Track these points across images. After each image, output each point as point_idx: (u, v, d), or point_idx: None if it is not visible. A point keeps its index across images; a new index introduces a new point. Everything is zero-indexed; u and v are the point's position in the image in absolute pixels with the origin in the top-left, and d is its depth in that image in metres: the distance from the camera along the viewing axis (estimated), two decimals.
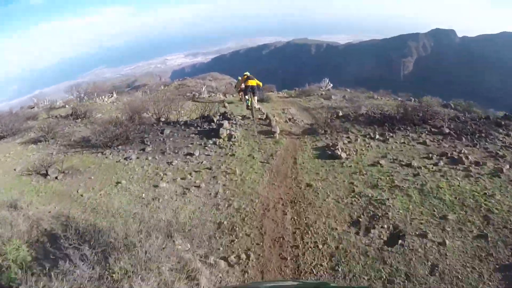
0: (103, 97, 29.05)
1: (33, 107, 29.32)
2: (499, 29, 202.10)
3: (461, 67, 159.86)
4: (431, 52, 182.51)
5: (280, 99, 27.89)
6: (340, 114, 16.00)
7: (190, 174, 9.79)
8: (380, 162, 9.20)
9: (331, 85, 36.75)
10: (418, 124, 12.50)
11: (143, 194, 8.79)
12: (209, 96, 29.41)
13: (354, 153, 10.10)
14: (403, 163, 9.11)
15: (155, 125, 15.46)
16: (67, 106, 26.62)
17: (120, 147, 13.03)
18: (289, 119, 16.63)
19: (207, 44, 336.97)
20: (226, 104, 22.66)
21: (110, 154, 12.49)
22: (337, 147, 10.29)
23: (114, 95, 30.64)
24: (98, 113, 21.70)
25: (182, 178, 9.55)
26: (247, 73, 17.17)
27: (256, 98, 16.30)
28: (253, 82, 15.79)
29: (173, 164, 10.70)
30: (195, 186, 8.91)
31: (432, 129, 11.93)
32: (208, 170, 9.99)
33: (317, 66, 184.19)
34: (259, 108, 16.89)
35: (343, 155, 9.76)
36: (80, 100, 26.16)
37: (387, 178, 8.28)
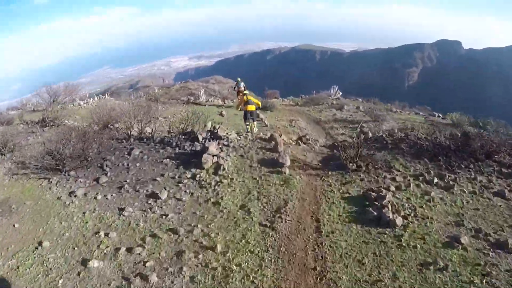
0: (80, 101, 25.52)
1: (19, 109, 25.97)
2: (506, 43, 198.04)
3: (466, 79, 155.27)
4: (436, 63, 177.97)
5: (286, 107, 24.36)
6: (370, 135, 12.04)
7: (143, 240, 6.12)
8: (459, 239, 5.42)
9: (340, 93, 33.17)
10: (480, 159, 8.69)
11: (60, 282, 5.12)
12: (206, 101, 26.03)
13: (412, 213, 6.29)
14: (492, 240, 5.47)
15: (124, 141, 11.67)
16: (40, 110, 23.16)
17: (72, 172, 9.39)
18: (301, 139, 12.65)
19: (211, 47, 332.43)
20: (224, 112, 19.16)
21: (57, 183, 9.01)
22: (383, 200, 6.49)
23: (95, 99, 26.95)
24: (71, 120, 17.99)
25: (128, 250, 5.84)
26: (246, 92, 16.64)
27: (255, 123, 15.43)
28: (252, 108, 14.67)
29: (126, 213, 7.05)
30: (140, 278, 5.15)
31: (502, 169, 8.20)
32: (173, 234, 6.28)
33: (321, 72, 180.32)
34: (259, 133, 14.70)
35: (398, 220, 5.89)
36: (50, 104, 22.43)
37: (482, 280, 4.55)
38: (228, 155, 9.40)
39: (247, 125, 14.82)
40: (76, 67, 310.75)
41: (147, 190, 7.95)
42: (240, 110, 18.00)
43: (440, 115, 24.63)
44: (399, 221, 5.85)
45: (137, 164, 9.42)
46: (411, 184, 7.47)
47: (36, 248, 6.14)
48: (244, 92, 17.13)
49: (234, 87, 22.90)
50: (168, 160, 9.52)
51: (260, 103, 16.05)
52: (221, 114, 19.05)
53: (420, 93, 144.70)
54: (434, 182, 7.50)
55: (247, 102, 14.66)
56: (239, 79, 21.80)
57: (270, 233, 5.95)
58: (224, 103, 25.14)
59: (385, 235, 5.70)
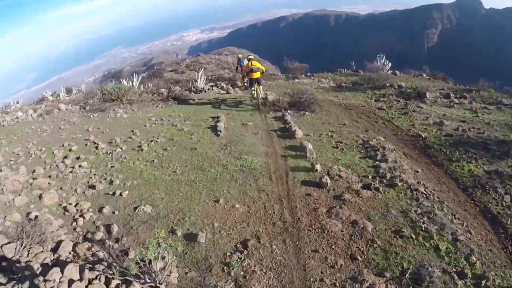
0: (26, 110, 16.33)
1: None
2: None
3: (488, 40, 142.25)
4: (456, 24, 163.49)
5: (331, 97, 14.97)
6: None
7: None
8: None
9: (390, 64, 23.67)
10: None
11: None
12: (202, 90, 17.53)
13: None
14: None
15: None
16: None
17: None
18: None
19: (223, 18, 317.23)
20: (222, 124, 11.27)
21: None
22: None
23: (43, 107, 16.77)
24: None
25: None
26: (251, 57, 14.47)
27: (261, 87, 13.81)
28: (257, 74, 13.43)
29: None
30: None
31: None
32: None
33: (337, 38, 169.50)
34: (265, 96, 14.56)
35: None
36: None
37: None
38: None
39: (252, 90, 14.00)
40: (90, 50, 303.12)
41: None
42: (245, 84, 16.19)
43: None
44: None
45: None
46: None
47: None
48: (249, 57, 14.59)
49: (236, 68, 17.64)
50: None
51: (264, 68, 13.98)
52: (215, 130, 10.80)
53: (440, 56, 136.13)
54: None
55: (251, 70, 13.41)
56: (240, 55, 17.39)
57: None
58: (229, 92, 16.58)
59: None
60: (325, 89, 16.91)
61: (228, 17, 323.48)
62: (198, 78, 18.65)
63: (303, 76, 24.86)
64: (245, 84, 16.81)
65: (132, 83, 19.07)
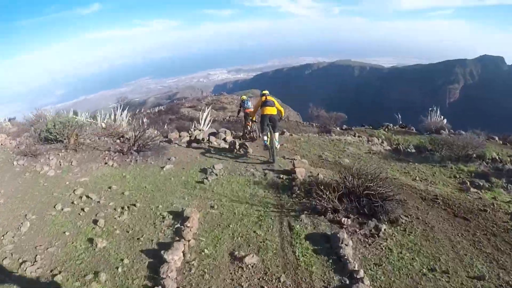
0: None
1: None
2: None
3: (510, 96, 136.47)
4: (478, 80, 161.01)
5: (399, 170, 10.16)
6: None
7: None
8: None
9: (445, 120, 19.28)
10: None
11: None
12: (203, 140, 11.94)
13: None
14: None
15: None
16: None
17: None
18: None
19: (250, 61, 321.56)
20: (192, 211, 6.02)
21: None
22: None
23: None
24: None
25: None
26: (266, 92, 9.73)
27: (277, 134, 9.13)
28: (272, 110, 8.92)
29: None
30: None
31: None
32: None
33: (360, 88, 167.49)
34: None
35: None
36: None
37: None
38: None
39: (264, 135, 9.13)
40: (119, 76, 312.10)
41: None
42: (249, 120, 12.83)
43: None
44: None
45: None
46: None
47: None
48: (264, 92, 9.71)
49: (239, 111, 14.43)
50: None
51: (282, 109, 9.48)
52: (158, 265, 4.96)
53: (463, 110, 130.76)
54: None
55: (265, 103, 8.99)
56: (244, 97, 14.00)
57: None
58: (233, 148, 10.16)
59: None
60: (381, 156, 12.19)
61: (255, 60, 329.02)
62: (201, 119, 14.45)
63: (338, 129, 20.52)
64: (251, 132, 13.29)
65: (113, 118, 14.57)
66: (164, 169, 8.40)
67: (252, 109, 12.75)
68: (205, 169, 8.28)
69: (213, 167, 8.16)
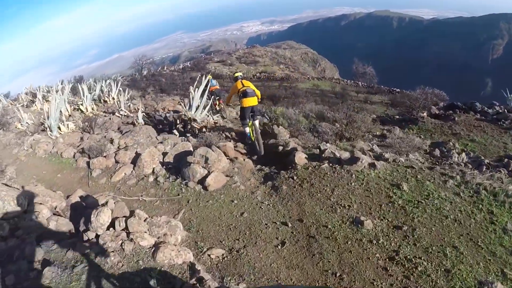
0: None
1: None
2: None
3: None
4: None
5: None
6: None
7: None
8: None
9: None
10: None
11: None
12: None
13: None
14: None
15: None
16: None
17: None
18: None
19: (284, 12, 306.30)
20: None
21: None
22: None
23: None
24: None
25: None
26: (239, 74, 8.11)
27: (257, 122, 7.38)
28: (253, 101, 7.23)
29: None
30: None
31: None
32: None
33: (399, 41, 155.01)
34: None
35: None
36: None
37: None
38: None
39: (245, 126, 7.52)
40: (151, 33, 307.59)
41: None
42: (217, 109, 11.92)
43: None
44: None
45: None
46: None
47: None
48: (236, 74, 8.04)
49: (204, 91, 9.85)
50: None
51: (259, 93, 7.55)
52: None
53: (504, 68, 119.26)
54: None
55: (244, 93, 7.12)
56: (210, 76, 11.07)
57: None
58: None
59: None
60: None
61: (289, 11, 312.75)
62: (191, 98, 9.44)
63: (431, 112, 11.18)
64: (218, 109, 12.07)
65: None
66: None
67: (217, 86, 12.41)
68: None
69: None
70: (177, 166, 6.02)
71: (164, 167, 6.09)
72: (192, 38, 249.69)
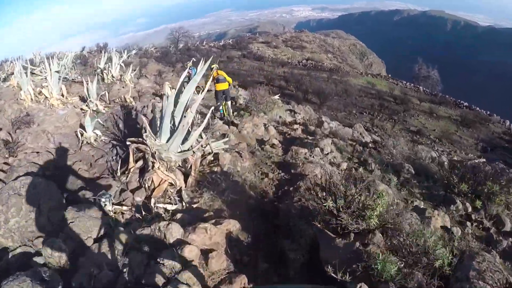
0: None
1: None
2: None
3: None
4: None
5: None
6: None
7: None
8: None
9: None
10: None
11: None
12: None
13: None
14: None
15: None
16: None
17: None
18: None
19: (335, 0, 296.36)
20: None
21: None
22: None
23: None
24: None
25: None
26: (215, 66, 9.74)
27: (229, 102, 9.65)
28: (224, 86, 9.50)
29: None
30: None
31: None
32: None
33: (450, 43, 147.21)
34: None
35: None
36: None
37: None
38: None
39: (218, 105, 9.54)
40: (200, 7, 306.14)
41: None
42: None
43: None
44: None
45: None
46: None
47: None
48: (212, 66, 9.50)
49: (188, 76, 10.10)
50: None
51: (230, 80, 9.77)
52: None
53: None
54: None
55: (217, 79, 9.44)
56: (189, 63, 11.43)
57: None
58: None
59: None
60: None
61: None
62: (162, 110, 4.74)
63: None
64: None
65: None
66: None
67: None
68: None
69: None
70: None
71: None
72: (239, 17, 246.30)
